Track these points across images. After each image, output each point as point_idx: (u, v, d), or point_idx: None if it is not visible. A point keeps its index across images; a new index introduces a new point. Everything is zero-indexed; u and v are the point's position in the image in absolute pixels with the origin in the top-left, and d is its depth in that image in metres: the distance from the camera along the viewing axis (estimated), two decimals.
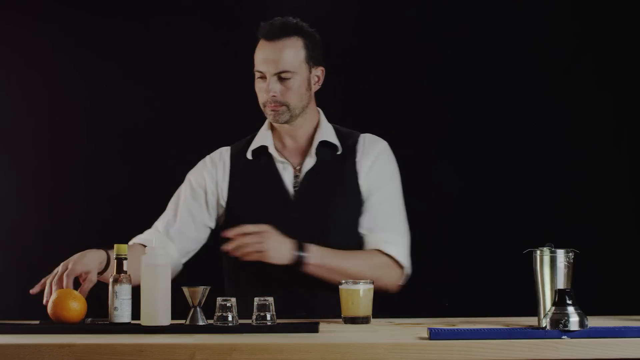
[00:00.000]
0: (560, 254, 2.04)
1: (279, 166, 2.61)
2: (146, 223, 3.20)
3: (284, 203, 2.57)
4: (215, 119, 3.46)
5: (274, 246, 2.39)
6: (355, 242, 2.57)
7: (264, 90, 2.55)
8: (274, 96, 2.54)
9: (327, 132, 2.64)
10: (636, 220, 3.38)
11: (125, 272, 2.12)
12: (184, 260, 2.63)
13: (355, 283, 2.26)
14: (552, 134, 3.41)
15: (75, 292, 2.19)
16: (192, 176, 2.69)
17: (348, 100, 3.38)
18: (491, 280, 3.34)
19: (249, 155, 2.65)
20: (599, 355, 1.80)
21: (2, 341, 1.89)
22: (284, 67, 2.54)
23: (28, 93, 3.46)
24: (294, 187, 2.59)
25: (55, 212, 3.42)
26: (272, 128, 2.67)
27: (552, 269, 2.04)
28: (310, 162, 2.60)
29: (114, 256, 2.14)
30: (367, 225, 2.57)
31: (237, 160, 2.66)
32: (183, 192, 2.67)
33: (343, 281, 2.28)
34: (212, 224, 2.66)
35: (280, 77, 2.54)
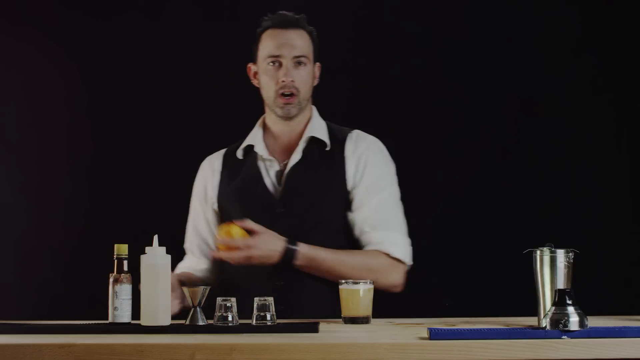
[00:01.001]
0: (560, 254, 2.04)
1: (266, 164, 2.61)
2: (148, 223, 3.20)
3: (268, 200, 2.57)
4: (218, 118, 3.46)
5: (261, 253, 2.39)
6: (339, 238, 2.56)
7: (280, 76, 2.54)
8: (292, 81, 2.54)
9: (317, 128, 2.63)
10: (636, 220, 3.38)
11: (126, 272, 2.12)
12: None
13: (356, 283, 2.26)
14: (552, 134, 3.41)
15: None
16: (195, 182, 2.73)
17: (347, 99, 3.38)
18: (491, 280, 3.34)
19: (239, 155, 2.66)
20: (599, 355, 1.80)
21: (2, 341, 1.89)
22: (301, 52, 2.55)
23: (30, 93, 3.46)
24: (278, 183, 2.58)
25: (56, 213, 3.42)
26: (264, 127, 2.67)
27: (552, 269, 2.04)
28: (295, 158, 2.59)
29: (115, 256, 2.14)
30: (365, 224, 2.54)
31: (227, 160, 2.67)
32: (193, 200, 2.72)
33: (343, 281, 2.28)
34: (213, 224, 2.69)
35: (298, 62, 2.55)
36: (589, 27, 3.42)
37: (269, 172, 2.60)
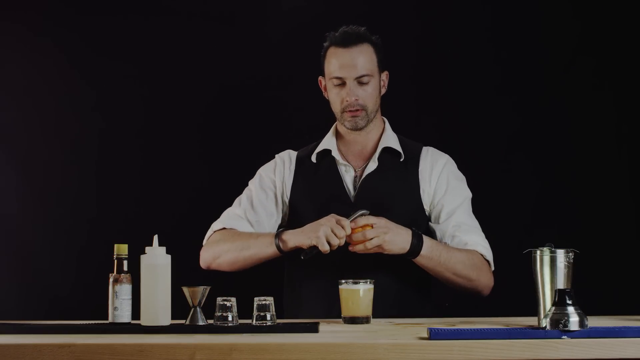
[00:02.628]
0: (560, 254, 2.04)
1: (341, 168, 2.69)
2: (148, 223, 3.21)
3: (344, 202, 2.62)
4: (220, 120, 3.46)
5: (392, 238, 2.43)
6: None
7: (344, 96, 2.62)
8: (357, 100, 2.62)
9: (391, 139, 2.72)
10: (636, 221, 3.38)
11: (126, 272, 2.12)
12: None
13: (356, 283, 2.26)
14: (551, 134, 3.41)
15: None
16: (262, 171, 2.78)
17: None
18: None
19: (313, 159, 2.72)
20: (599, 355, 1.80)
21: (2, 341, 1.89)
22: (363, 71, 2.62)
23: (33, 93, 3.45)
24: (354, 189, 2.65)
25: (56, 213, 3.42)
26: (337, 134, 2.75)
27: (552, 269, 2.05)
28: (372, 166, 2.67)
29: (115, 256, 2.14)
30: (457, 230, 2.62)
31: (302, 161, 2.74)
32: (253, 185, 2.75)
33: (343, 281, 2.28)
34: (279, 219, 2.72)
35: (360, 82, 2.62)
36: (589, 27, 3.42)
37: (345, 177, 2.68)
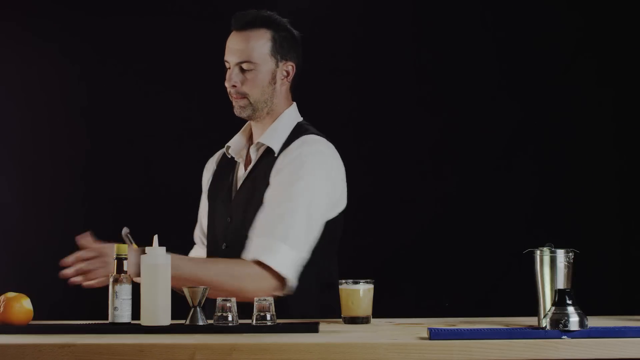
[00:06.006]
0: (560, 254, 2.04)
1: (238, 164, 2.60)
2: (148, 223, 3.20)
3: (228, 201, 2.55)
4: (218, 118, 3.45)
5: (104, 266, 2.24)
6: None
7: (226, 81, 2.51)
8: (234, 86, 2.48)
9: (273, 133, 2.51)
10: (636, 221, 3.38)
11: (126, 272, 2.12)
12: None
13: (356, 283, 2.26)
14: (551, 133, 3.41)
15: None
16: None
17: (346, 101, 3.38)
18: (491, 280, 3.34)
19: (228, 153, 2.62)
20: (599, 355, 1.80)
21: (2, 341, 1.89)
22: (244, 57, 2.47)
23: (28, 93, 3.46)
24: (239, 186, 2.55)
25: (56, 213, 3.42)
26: (250, 125, 2.61)
27: (552, 269, 2.04)
28: (254, 162, 2.54)
29: (115, 256, 2.14)
30: (256, 227, 2.39)
31: (224, 157, 2.65)
32: (202, 198, 2.71)
33: (343, 281, 2.28)
34: None
35: (242, 68, 2.48)
36: (589, 26, 3.42)
37: (237, 173, 2.58)
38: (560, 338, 1.84)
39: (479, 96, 3.43)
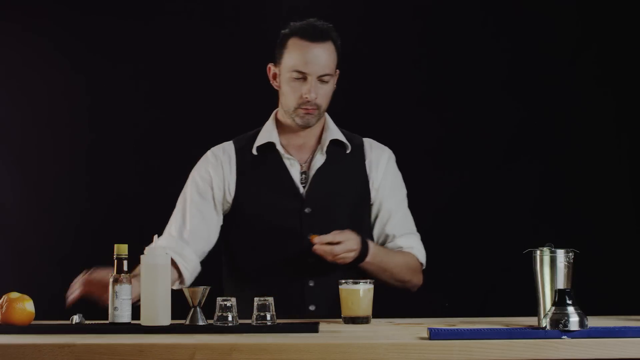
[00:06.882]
0: (560, 254, 2.05)
1: (286, 162, 2.61)
2: (148, 223, 3.20)
3: (295, 199, 2.57)
4: (216, 115, 3.46)
5: (349, 247, 2.44)
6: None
7: (304, 92, 2.54)
8: (316, 98, 2.55)
9: (336, 132, 2.66)
10: (636, 221, 3.38)
11: (126, 272, 2.12)
12: (200, 260, 2.61)
13: (356, 283, 2.26)
14: (552, 133, 3.41)
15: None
16: (196, 173, 2.66)
17: (346, 101, 3.37)
18: (491, 280, 3.34)
19: (254, 151, 2.63)
20: (599, 355, 1.80)
21: (2, 341, 1.89)
22: (327, 70, 2.55)
23: (28, 92, 3.46)
24: (302, 183, 2.59)
25: (56, 213, 3.42)
26: (278, 124, 2.66)
27: (552, 269, 2.05)
28: (320, 159, 2.61)
29: (115, 256, 2.14)
30: (395, 230, 2.64)
31: (242, 155, 2.64)
32: (189, 192, 2.65)
33: (343, 281, 2.28)
34: (221, 221, 2.63)
35: (322, 80, 2.55)
36: (590, 26, 3.42)
37: (291, 171, 2.61)
38: (560, 338, 1.84)
39: (480, 96, 3.43)
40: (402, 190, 2.70)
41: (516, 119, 3.42)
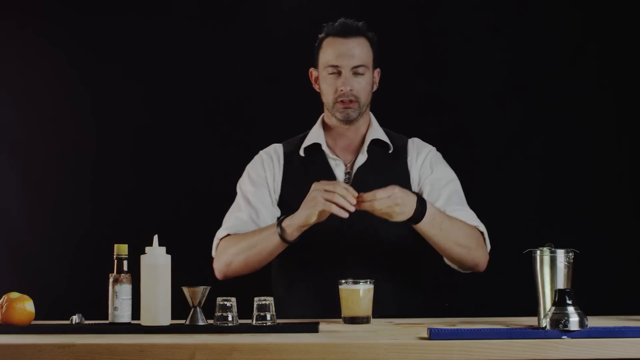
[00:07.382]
0: (560, 254, 2.05)
1: (332, 163, 2.68)
2: (148, 223, 3.20)
3: None
4: (216, 116, 3.46)
5: (402, 210, 2.38)
6: (406, 236, 2.60)
7: (339, 85, 2.61)
8: (351, 90, 2.61)
9: (379, 132, 2.71)
10: (636, 220, 3.37)
11: (126, 272, 2.13)
12: None
13: (356, 283, 2.26)
14: (552, 133, 3.41)
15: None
16: (251, 169, 2.75)
17: None
18: (491, 280, 3.33)
19: (301, 152, 2.71)
20: (599, 355, 1.80)
21: (2, 341, 1.89)
22: (360, 62, 2.61)
23: (31, 94, 3.45)
24: (346, 182, 2.61)
25: (57, 213, 3.42)
26: (324, 127, 2.73)
27: (552, 269, 2.05)
28: (362, 158, 2.67)
29: (115, 256, 2.14)
30: (448, 205, 2.59)
31: (290, 156, 2.72)
32: (245, 185, 2.71)
33: (343, 281, 2.28)
34: (277, 211, 2.67)
35: (356, 72, 2.61)
36: (591, 25, 3.42)
37: (336, 171, 2.67)
38: (560, 338, 1.84)
39: (480, 95, 3.43)
40: (448, 175, 2.68)
41: (516, 119, 3.41)
